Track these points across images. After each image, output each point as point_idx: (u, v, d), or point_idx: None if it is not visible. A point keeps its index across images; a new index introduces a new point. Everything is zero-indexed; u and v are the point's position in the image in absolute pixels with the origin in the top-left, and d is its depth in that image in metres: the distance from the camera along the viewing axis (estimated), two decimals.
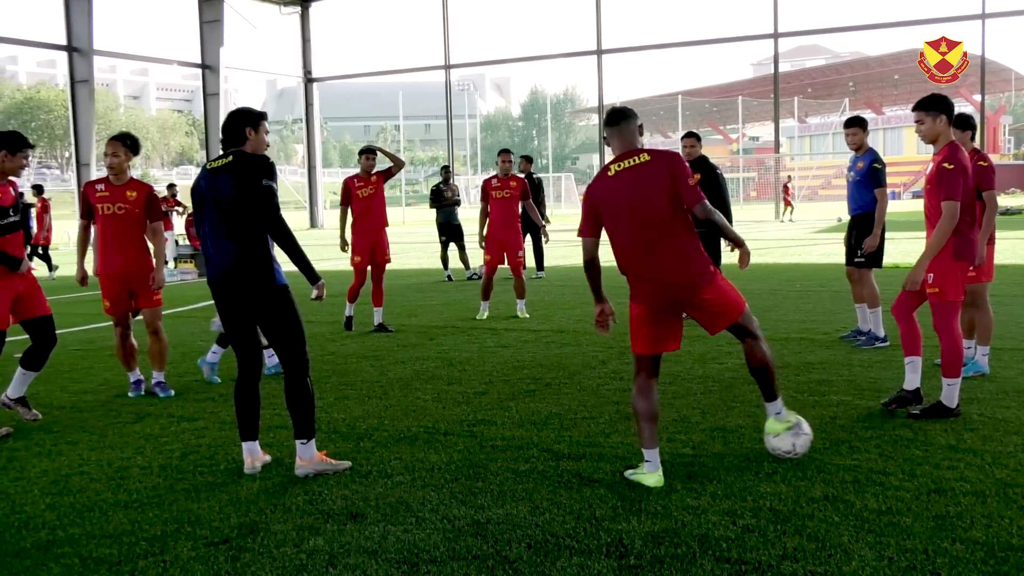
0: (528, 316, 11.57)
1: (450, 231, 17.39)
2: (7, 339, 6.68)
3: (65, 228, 37.55)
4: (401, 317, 11.86)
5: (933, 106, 6.11)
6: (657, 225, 4.85)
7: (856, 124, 8.98)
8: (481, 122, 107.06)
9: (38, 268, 19.06)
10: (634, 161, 4.91)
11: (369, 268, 10.81)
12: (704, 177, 9.78)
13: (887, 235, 8.99)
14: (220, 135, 5.50)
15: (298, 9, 45.41)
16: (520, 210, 11.72)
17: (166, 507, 4.83)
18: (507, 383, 7.67)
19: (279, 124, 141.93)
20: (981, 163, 7.02)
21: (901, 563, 3.83)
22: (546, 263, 17.65)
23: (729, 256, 6.26)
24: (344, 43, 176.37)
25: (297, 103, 62.56)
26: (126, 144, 7.33)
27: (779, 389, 5.29)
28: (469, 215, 20.28)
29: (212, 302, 5.63)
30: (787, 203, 40.83)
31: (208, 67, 41.86)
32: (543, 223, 12.69)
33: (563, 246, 24.01)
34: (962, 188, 5.97)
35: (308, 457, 5.30)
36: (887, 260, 9.11)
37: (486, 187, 11.65)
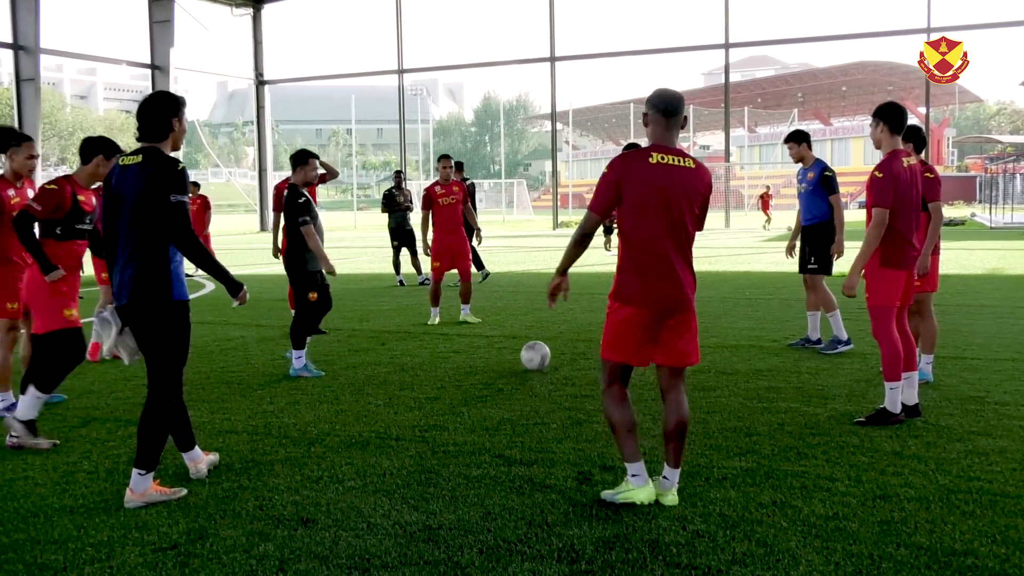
0: (479, 321, 11.58)
1: (402, 236, 17.34)
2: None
3: None
4: (352, 321, 11.81)
5: (877, 113, 6.37)
6: (680, 231, 4.61)
7: (792, 139, 9.18)
8: (434, 127, 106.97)
9: None
10: (679, 161, 4.60)
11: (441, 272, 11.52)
12: None
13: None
14: (137, 119, 4.94)
15: (250, 11, 45.01)
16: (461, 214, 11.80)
17: (113, 512, 4.75)
18: (459, 388, 7.67)
19: (230, 126, 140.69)
20: (927, 175, 7.14)
21: (847, 568, 3.90)
22: (500, 268, 17.79)
23: None
24: (297, 46, 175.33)
25: (248, 105, 62.06)
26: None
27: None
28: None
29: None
30: (766, 212, 41.43)
31: (158, 67, 41.29)
32: (478, 226, 12.83)
33: (516, 251, 24.09)
34: (893, 196, 6.13)
35: (140, 490, 4.85)
36: (836, 268, 9.26)
37: (430, 194, 11.62)
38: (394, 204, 17.45)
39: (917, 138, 7.25)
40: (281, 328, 11.12)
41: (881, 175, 6.16)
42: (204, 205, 20.23)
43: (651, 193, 4.54)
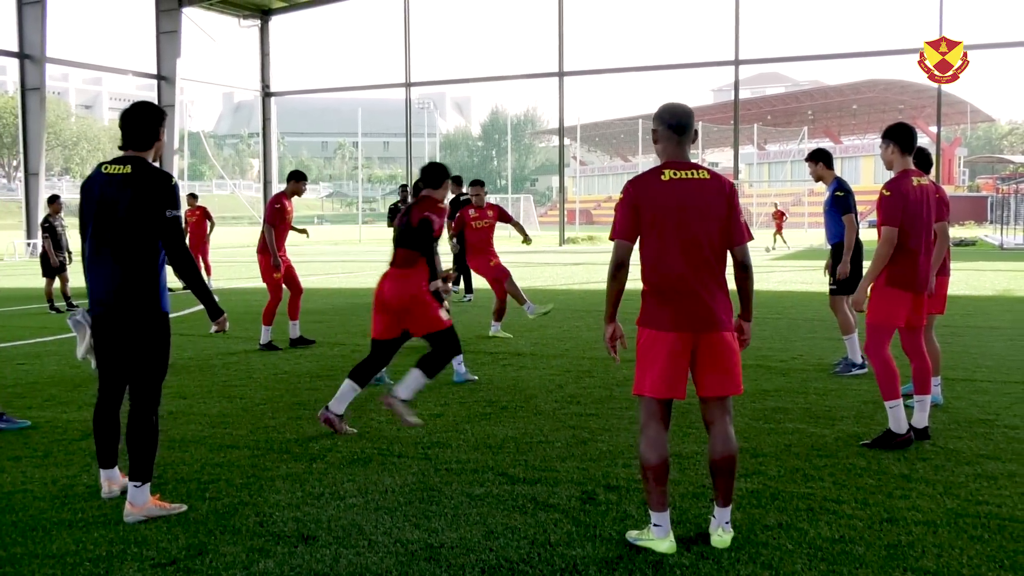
0: (510, 336, 11.71)
1: None
2: None
3: (11, 239, 36.89)
4: (356, 336, 11.77)
5: (886, 134, 6.39)
6: (701, 248, 4.35)
7: (809, 158, 9.14)
8: (440, 141, 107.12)
9: None
10: (692, 174, 4.39)
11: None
12: None
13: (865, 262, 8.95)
14: (121, 128, 4.94)
15: (258, 22, 45.26)
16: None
17: (112, 527, 4.71)
18: (463, 405, 7.62)
19: (235, 138, 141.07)
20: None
21: None
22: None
23: None
24: (304, 58, 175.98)
25: (254, 117, 62.17)
26: None
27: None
28: None
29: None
30: (779, 229, 41.18)
31: (164, 78, 41.49)
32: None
33: (522, 267, 24.06)
34: (902, 215, 6.12)
35: (139, 503, 4.83)
36: None
37: (464, 217, 11.88)
38: None
39: (922, 158, 7.24)
40: (283, 343, 11.08)
41: (889, 193, 6.15)
42: (204, 216, 20.25)
43: (666, 212, 4.35)
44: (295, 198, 11.19)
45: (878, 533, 4.52)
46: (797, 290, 17.13)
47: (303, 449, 6.23)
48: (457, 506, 4.99)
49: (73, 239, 12.83)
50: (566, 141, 53.39)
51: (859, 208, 8.84)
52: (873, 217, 8.34)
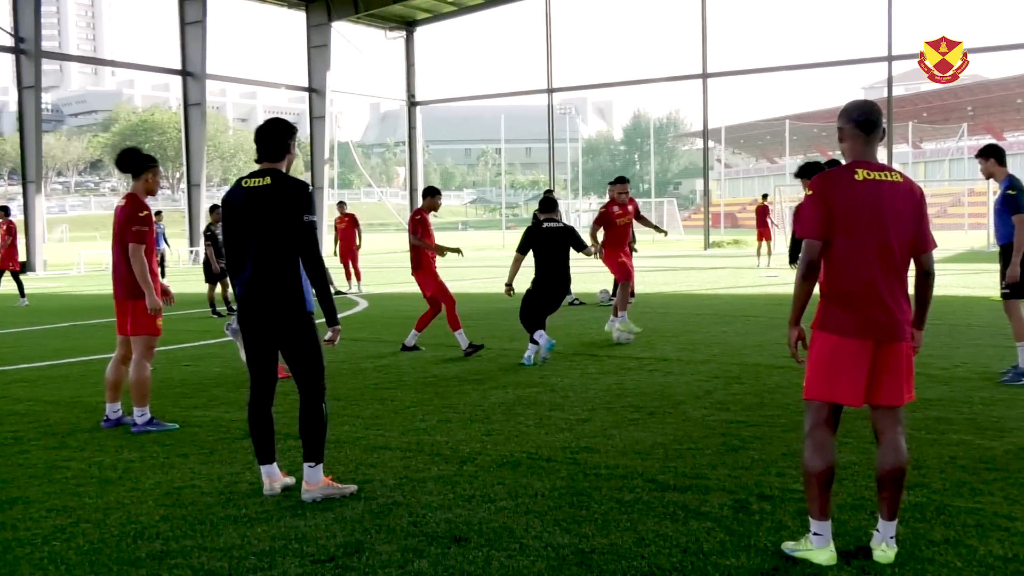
0: (640, 329, 11.80)
1: None
2: None
3: (176, 247, 38.77)
4: (502, 341, 11.86)
5: (981, 153, 8.41)
6: (894, 254, 4.22)
7: (980, 154, 8.74)
8: (583, 146, 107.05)
9: None
10: (886, 176, 4.26)
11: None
12: None
13: None
14: (256, 143, 5.30)
15: (403, 34, 46.28)
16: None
17: (273, 523, 4.89)
18: (610, 410, 7.58)
19: (382, 147, 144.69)
20: (1010, 191, 8.26)
21: None
22: (650, 289, 17.99)
23: None
24: (447, 67, 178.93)
25: (400, 126, 63.68)
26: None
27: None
28: None
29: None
30: (767, 237, 39.39)
31: (315, 90, 42.95)
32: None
33: (666, 272, 23.82)
34: None
35: (314, 481, 5.25)
36: None
37: (609, 214, 12.43)
38: None
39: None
40: (433, 347, 11.28)
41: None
42: (352, 222, 20.81)
43: (859, 213, 4.18)
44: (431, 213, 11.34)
45: None
46: (958, 294, 16.33)
47: (453, 452, 6.32)
48: (607, 512, 4.96)
49: None
50: (710, 143, 52.52)
51: None
52: None
